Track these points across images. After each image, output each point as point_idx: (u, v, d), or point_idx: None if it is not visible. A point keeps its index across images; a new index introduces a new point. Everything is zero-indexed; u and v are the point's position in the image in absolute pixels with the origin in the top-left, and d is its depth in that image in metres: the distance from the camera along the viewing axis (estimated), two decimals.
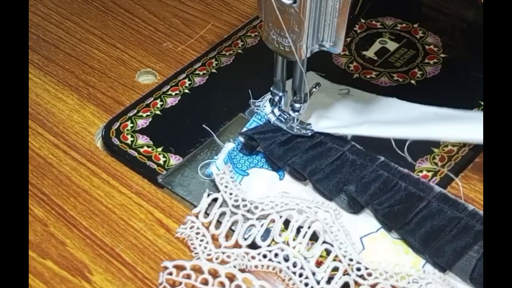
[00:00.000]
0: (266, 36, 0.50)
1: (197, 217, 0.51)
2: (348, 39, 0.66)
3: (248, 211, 0.51)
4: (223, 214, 0.51)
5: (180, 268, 0.47)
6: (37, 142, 0.59)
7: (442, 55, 0.65)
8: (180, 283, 0.47)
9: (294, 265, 0.48)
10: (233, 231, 0.50)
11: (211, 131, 0.58)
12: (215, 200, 0.52)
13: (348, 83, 0.61)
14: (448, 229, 0.49)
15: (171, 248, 0.50)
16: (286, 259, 0.48)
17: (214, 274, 0.47)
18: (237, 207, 0.52)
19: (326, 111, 0.58)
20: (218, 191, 0.53)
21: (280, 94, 0.55)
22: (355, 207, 0.51)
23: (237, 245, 0.50)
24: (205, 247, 0.49)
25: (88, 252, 0.50)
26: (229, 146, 0.56)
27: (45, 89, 0.64)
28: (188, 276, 0.47)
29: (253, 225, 0.51)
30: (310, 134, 0.55)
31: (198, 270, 0.47)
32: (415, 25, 0.68)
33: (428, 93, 0.61)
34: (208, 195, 0.52)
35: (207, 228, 0.51)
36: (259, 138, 0.55)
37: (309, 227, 0.49)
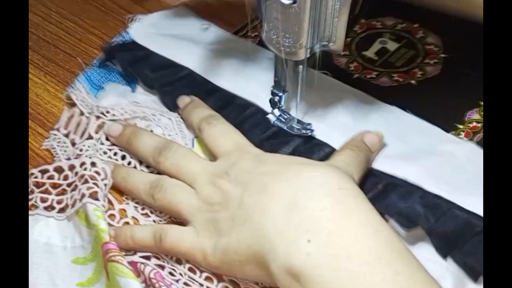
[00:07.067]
0: (266, 36, 0.50)
1: (58, 130, 0.58)
2: (348, 39, 0.66)
3: (101, 113, 0.57)
4: (79, 124, 0.58)
5: (44, 172, 0.54)
6: (37, 142, 0.59)
7: (442, 55, 0.65)
8: (44, 184, 0.53)
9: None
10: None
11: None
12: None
13: (349, 83, 0.61)
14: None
15: None
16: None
17: (72, 168, 0.54)
18: (91, 113, 0.58)
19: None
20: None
21: (280, 94, 0.55)
22: None
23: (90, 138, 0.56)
24: (65, 151, 0.56)
25: None
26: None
27: (45, 89, 0.64)
28: (51, 177, 0.53)
29: (104, 123, 0.57)
30: (310, 134, 0.55)
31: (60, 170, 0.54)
32: (415, 25, 0.68)
33: (428, 93, 0.61)
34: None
35: (67, 136, 0.57)
36: (117, 50, 0.62)
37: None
